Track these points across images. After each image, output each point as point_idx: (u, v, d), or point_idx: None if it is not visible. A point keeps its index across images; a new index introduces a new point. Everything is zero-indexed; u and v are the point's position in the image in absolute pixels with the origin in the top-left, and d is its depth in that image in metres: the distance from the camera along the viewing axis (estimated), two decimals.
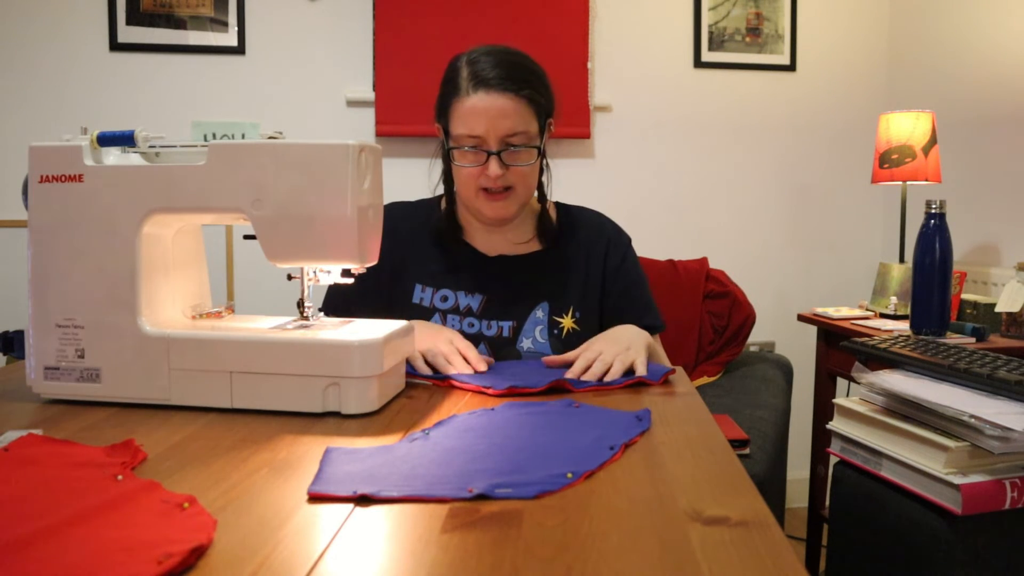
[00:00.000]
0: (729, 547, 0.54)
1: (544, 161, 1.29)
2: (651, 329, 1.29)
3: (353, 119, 2.57)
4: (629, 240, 1.39)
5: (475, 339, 1.26)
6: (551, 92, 1.27)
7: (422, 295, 1.29)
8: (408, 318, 1.25)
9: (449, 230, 1.32)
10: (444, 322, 1.27)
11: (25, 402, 0.95)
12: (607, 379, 1.04)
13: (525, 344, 1.26)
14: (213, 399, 0.91)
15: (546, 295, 1.29)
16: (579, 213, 1.38)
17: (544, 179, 1.33)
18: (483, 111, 1.18)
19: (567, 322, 1.28)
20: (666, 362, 1.29)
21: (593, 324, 1.30)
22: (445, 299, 1.29)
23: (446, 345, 1.10)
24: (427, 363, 1.08)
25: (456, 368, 1.06)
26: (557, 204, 1.39)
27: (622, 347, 1.10)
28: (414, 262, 1.31)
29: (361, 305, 1.23)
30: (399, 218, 1.31)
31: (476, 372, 1.07)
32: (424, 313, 1.28)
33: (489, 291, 1.28)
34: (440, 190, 1.37)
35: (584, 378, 1.04)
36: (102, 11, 2.47)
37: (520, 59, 1.23)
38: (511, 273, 1.30)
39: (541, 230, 1.32)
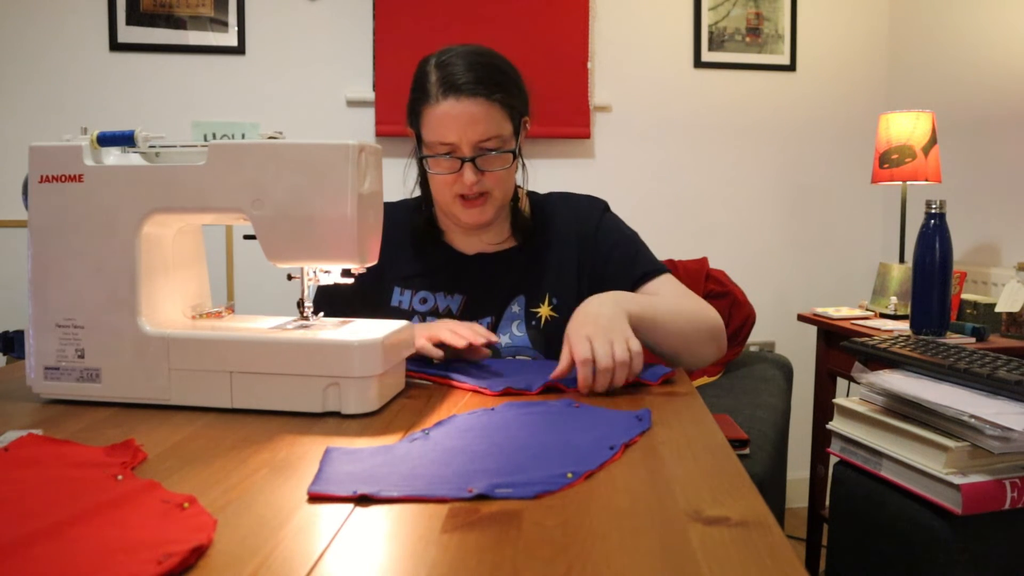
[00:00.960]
0: (729, 547, 0.54)
1: (520, 161, 1.27)
2: (644, 278, 1.25)
3: (353, 119, 2.57)
4: (604, 206, 1.35)
5: None
6: (524, 91, 1.24)
7: (400, 298, 1.28)
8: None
9: (428, 234, 1.31)
10: None
11: (25, 402, 0.95)
12: (616, 384, 0.99)
13: (502, 340, 1.25)
14: (213, 399, 0.91)
15: (522, 288, 1.27)
16: (549, 201, 1.36)
17: (521, 179, 1.31)
18: (454, 118, 1.14)
19: (544, 311, 1.26)
20: (685, 292, 1.25)
21: (572, 308, 1.25)
22: (424, 301, 1.28)
23: (446, 332, 1.08)
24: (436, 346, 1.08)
25: (464, 338, 1.06)
26: (530, 195, 1.36)
27: (609, 337, 1.00)
28: (393, 264, 1.29)
29: (348, 306, 1.21)
30: (394, 215, 1.29)
31: (478, 349, 1.07)
32: (403, 316, 1.26)
33: (468, 291, 1.27)
34: (417, 192, 1.35)
35: (593, 390, 0.99)
36: (102, 11, 2.47)
37: (490, 59, 1.20)
38: (490, 271, 1.29)
39: (515, 227, 1.31)
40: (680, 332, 1.15)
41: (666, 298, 1.21)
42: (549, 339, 1.26)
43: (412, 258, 1.31)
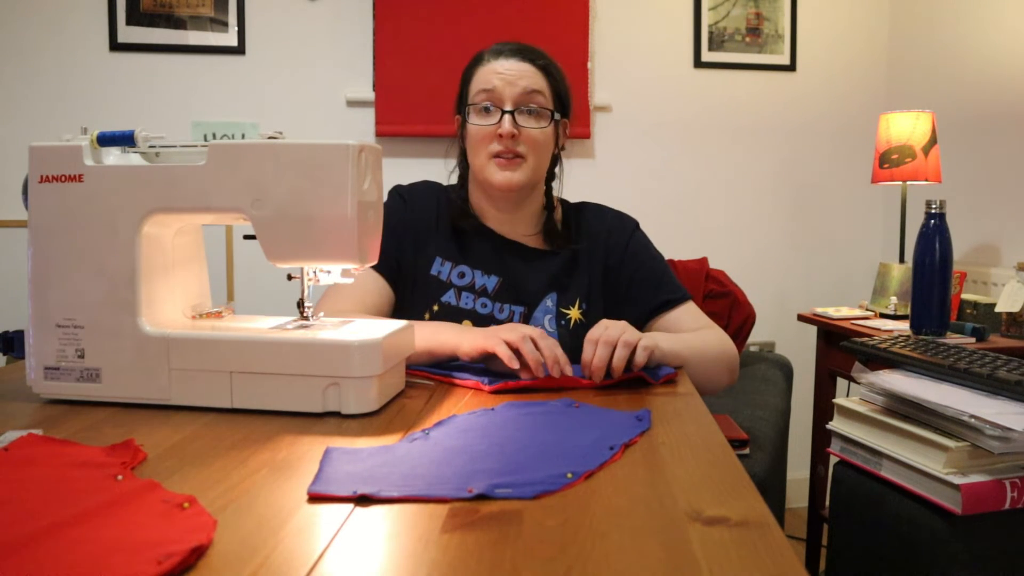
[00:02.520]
0: (729, 547, 0.54)
1: (559, 156, 1.33)
2: (666, 305, 1.28)
3: (353, 119, 2.57)
4: (635, 224, 1.38)
5: (486, 321, 1.26)
6: (567, 86, 1.31)
7: (440, 268, 1.29)
8: (423, 290, 1.27)
9: (462, 213, 1.32)
10: (459, 299, 1.27)
11: (25, 402, 0.95)
12: (614, 363, 1.01)
13: None
14: (213, 399, 0.91)
15: (555, 286, 1.30)
16: (583, 210, 1.39)
17: (556, 176, 1.36)
18: (499, 73, 1.23)
19: (574, 313, 1.29)
20: (707, 322, 1.29)
21: (599, 317, 1.30)
22: (462, 276, 1.29)
23: (526, 343, 1.02)
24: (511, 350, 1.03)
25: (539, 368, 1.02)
26: (562, 202, 1.40)
27: (622, 328, 1.05)
28: (437, 235, 1.32)
29: (388, 270, 1.26)
30: (430, 193, 1.35)
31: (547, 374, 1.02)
32: (440, 287, 1.28)
33: (504, 275, 1.29)
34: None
35: (594, 366, 1.01)
36: (102, 11, 2.47)
37: (537, 47, 1.29)
38: (526, 260, 1.31)
39: (548, 233, 1.33)
40: (704, 369, 1.18)
41: (692, 334, 1.23)
42: (577, 341, 1.26)
43: (454, 233, 1.33)
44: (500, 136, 1.22)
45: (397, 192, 1.36)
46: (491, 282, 1.29)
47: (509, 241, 1.32)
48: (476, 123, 1.24)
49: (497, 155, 1.23)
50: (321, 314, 1.02)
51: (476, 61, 1.28)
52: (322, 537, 0.56)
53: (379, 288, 1.27)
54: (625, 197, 2.60)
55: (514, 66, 1.23)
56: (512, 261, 1.31)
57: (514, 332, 1.04)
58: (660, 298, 1.29)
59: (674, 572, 0.50)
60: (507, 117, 1.22)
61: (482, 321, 1.26)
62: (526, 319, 1.27)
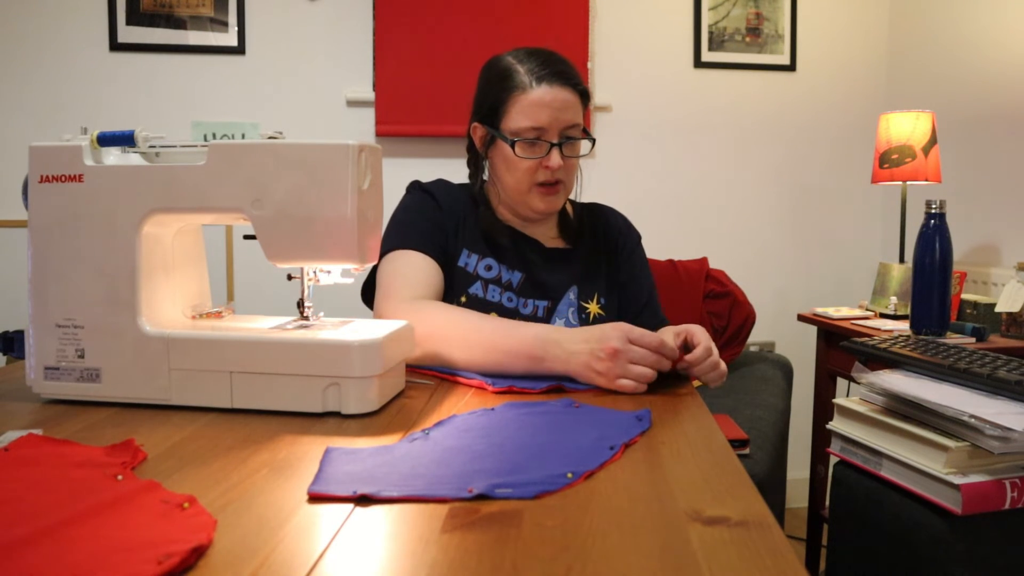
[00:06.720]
0: (729, 547, 0.54)
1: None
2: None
3: (353, 119, 2.57)
4: (638, 238, 1.44)
5: (511, 315, 1.28)
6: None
7: (468, 260, 1.31)
8: (451, 280, 1.29)
9: (495, 226, 1.32)
10: (486, 291, 1.28)
11: (25, 402, 0.95)
12: (710, 382, 1.08)
13: (558, 324, 1.29)
14: (213, 399, 0.91)
15: (575, 280, 1.33)
16: (594, 209, 1.44)
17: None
18: (548, 103, 1.22)
19: (593, 307, 1.32)
20: None
21: (614, 312, 1.35)
22: (489, 268, 1.31)
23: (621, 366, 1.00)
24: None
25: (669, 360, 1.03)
26: (572, 202, 1.44)
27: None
28: (464, 228, 1.33)
29: (420, 245, 1.25)
30: (451, 189, 1.37)
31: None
32: (467, 278, 1.29)
33: (527, 271, 1.32)
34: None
35: (707, 377, 1.07)
36: (102, 11, 2.47)
37: (562, 56, 1.28)
38: (544, 257, 1.34)
39: (564, 229, 1.38)
40: None
41: None
42: None
43: (479, 227, 1.34)
44: (547, 167, 1.24)
45: (419, 187, 1.37)
46: (515, 277, 1.31)
47: (529, 239, 1.35)
48: (524, 156, 1.25)
49: (541, 184, 1.26)
50: (321, 314, 1.02)
51: (512, 82, 1.24)
52: (322, 537, 0.56)
53: (438, 274, 1.26)
54: (625, 197, 2.60)
55: (559, 95, 1.22)
56: (533, 257, 1.34)
57: (618, 365, 0.99)
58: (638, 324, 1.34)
59: (674, 572, 0.50)
60: (555, 151, 1.24)
61: (507, 315, 1.28)
62: (550, 312, 1.30)
